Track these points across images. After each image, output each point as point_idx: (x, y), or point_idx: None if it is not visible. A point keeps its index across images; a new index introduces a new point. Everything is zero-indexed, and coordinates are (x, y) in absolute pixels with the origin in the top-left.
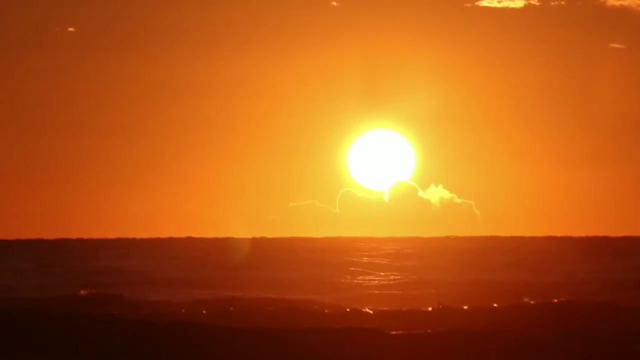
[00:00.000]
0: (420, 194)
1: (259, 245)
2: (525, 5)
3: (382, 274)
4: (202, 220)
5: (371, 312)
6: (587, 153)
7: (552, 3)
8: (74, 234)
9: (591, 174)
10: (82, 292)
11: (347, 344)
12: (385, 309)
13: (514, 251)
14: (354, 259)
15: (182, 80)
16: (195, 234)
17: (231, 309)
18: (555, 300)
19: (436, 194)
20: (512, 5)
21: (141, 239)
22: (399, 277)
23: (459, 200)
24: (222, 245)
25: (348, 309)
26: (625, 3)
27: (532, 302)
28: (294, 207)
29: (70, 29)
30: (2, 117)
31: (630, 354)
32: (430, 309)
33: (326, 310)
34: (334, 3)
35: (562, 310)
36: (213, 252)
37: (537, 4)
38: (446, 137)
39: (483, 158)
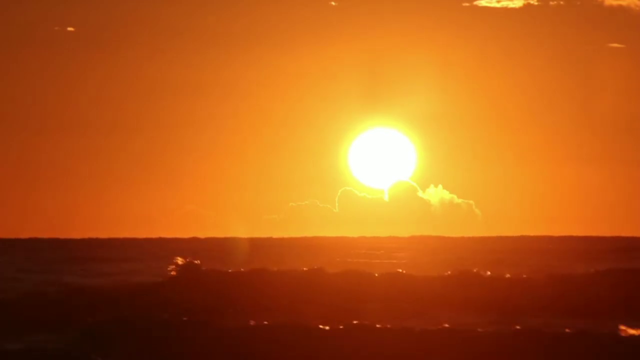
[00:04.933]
0: (420, 194)
1: (259, 245)
2: (524, 5)
3: None
4: (202, 220)
5: None
6: (586, 152)
7: (551, 3)
8: (73, 234)
9: (590, 173)
10: None
11: None
12: None
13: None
14: None
15: (182, 79)
16: (194, 234)
17: None
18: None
19: (436, 194)
20: (511, 5)
21: (141, 239)
22: None
23: (459, 200)
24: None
25: None
26: (624, 3)
27: None
28: (294, 206)
29: (70, 28)
30: (1, 117)
31: None
32: None
33: None
34: (333, 3)
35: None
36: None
37: (536, 3)
38: (446, 137)
39: (483, 158)
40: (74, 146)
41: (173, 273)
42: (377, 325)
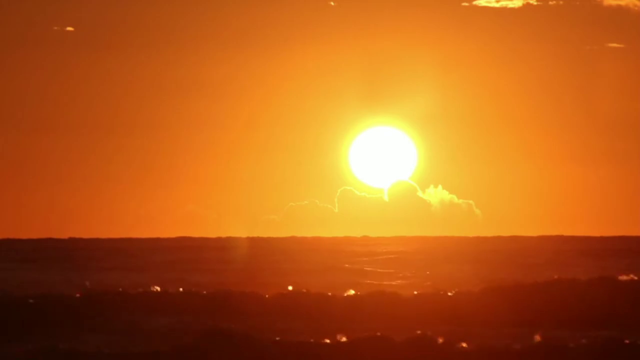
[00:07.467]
0: (420, 194)
1: (258, 245)
2: (523, 5)
3: None
4: (201, 220)
5: None
6: (586, 152)
7: (551, 2)
8: (71, 234)
9: (590, 173)
10: None
11: None
12: None
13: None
14: None
15: (181, 79)
16: (194, 234)
17: None
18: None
19: (436, 194)
20: (510, 5)
21: (141, 239)
22: None
23: (459, 201)
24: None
25: None
26: (623, 3)
27: None
28: (294, 206)
29: (69, 28)
30: (0, 116)
31: None
32: None
33: None
34: (332, 3)
35: None
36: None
37: (536, 3)
38: (446, 137)
39: (483, 158)
40: (74, 146)
41: None
42: None
